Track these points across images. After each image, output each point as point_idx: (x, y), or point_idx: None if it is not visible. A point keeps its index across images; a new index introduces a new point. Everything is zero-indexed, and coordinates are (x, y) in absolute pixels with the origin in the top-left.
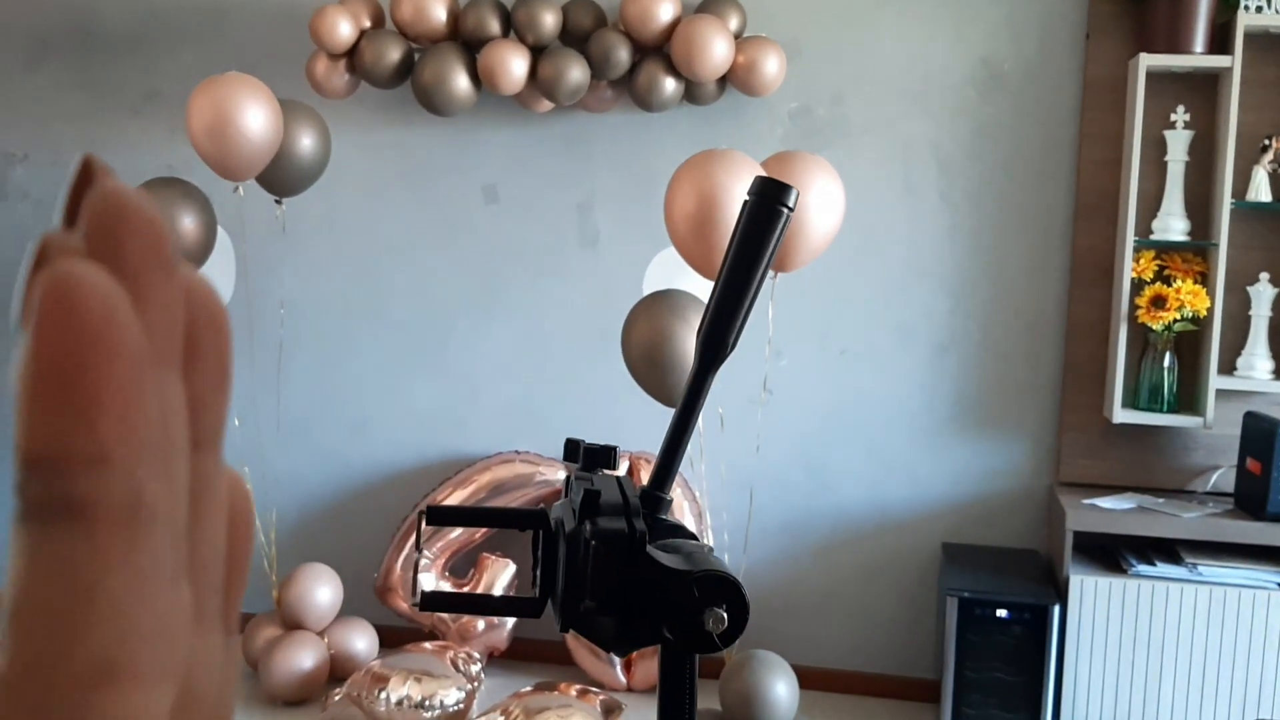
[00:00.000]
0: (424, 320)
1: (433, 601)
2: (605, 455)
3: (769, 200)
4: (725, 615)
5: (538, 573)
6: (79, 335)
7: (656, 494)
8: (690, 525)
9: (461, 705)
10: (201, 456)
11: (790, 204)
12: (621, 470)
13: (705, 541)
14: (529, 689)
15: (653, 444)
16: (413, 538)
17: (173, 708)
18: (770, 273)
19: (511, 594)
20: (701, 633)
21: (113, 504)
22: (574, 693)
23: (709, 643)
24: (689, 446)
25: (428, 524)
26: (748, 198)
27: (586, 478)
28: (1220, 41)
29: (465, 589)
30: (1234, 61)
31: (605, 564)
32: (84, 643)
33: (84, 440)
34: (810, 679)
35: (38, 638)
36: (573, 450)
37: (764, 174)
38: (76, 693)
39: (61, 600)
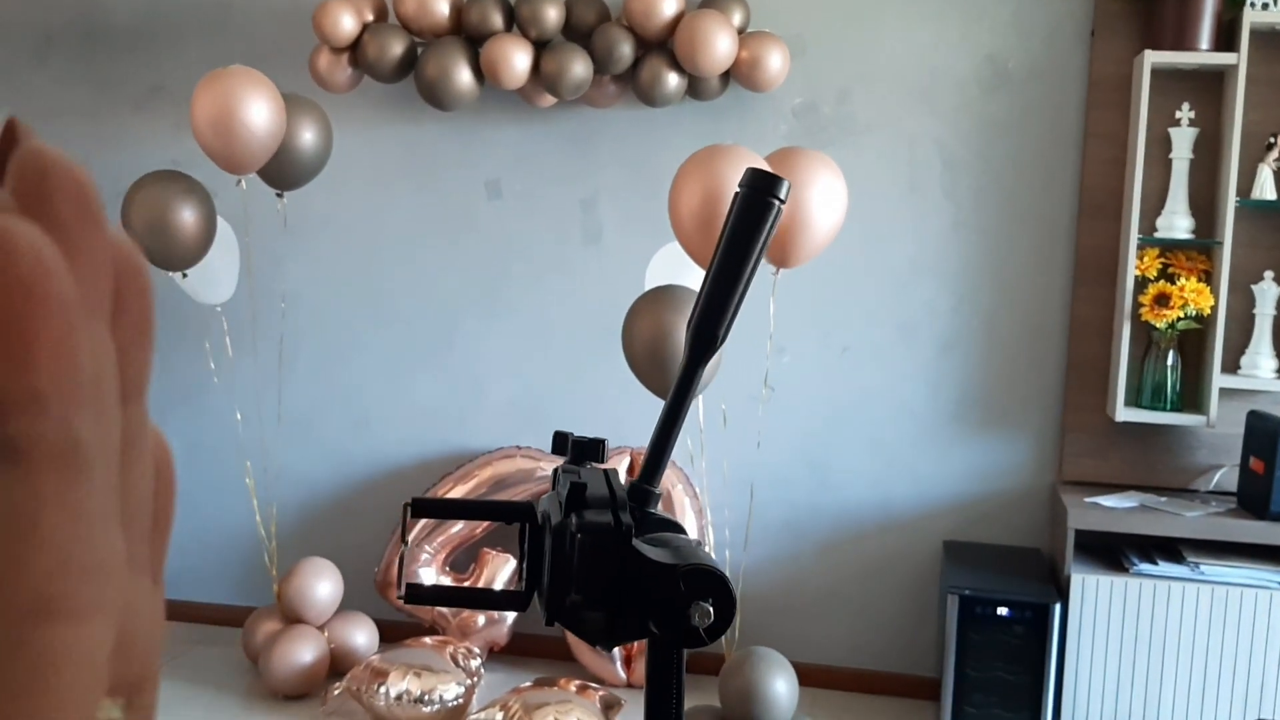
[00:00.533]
0: (426, 315)
1: (418, 595)
2: (594, 448)
3: (760, 192)
4: (711, 609)
5: (524, 566)
6: (13, 284)
7: (646, 488)
8: (692, 522)
9: (461, 700)
10: (129, 408)
11: (781, 196)
12: (623, 466)
13: (705, 537)
14: (529, 684)
15: None
16: (413, 532)
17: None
18: (772, 269)
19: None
20: (688, 627)
21: (48, 445)
22: (574, 688)
23: (695, 637)
24: (691, 443)
25: (412, 516)
26: (738, 189)
27: (574, 471)
28: (1226, 39)
29: (466, 584)
30: (1240, 59)
31: (591, 557)
32: (21, 579)
33: (20, 385)
34: (811, 676)
35: None
36: (561, 443)
37: (756, 166)
38: (14, 628)
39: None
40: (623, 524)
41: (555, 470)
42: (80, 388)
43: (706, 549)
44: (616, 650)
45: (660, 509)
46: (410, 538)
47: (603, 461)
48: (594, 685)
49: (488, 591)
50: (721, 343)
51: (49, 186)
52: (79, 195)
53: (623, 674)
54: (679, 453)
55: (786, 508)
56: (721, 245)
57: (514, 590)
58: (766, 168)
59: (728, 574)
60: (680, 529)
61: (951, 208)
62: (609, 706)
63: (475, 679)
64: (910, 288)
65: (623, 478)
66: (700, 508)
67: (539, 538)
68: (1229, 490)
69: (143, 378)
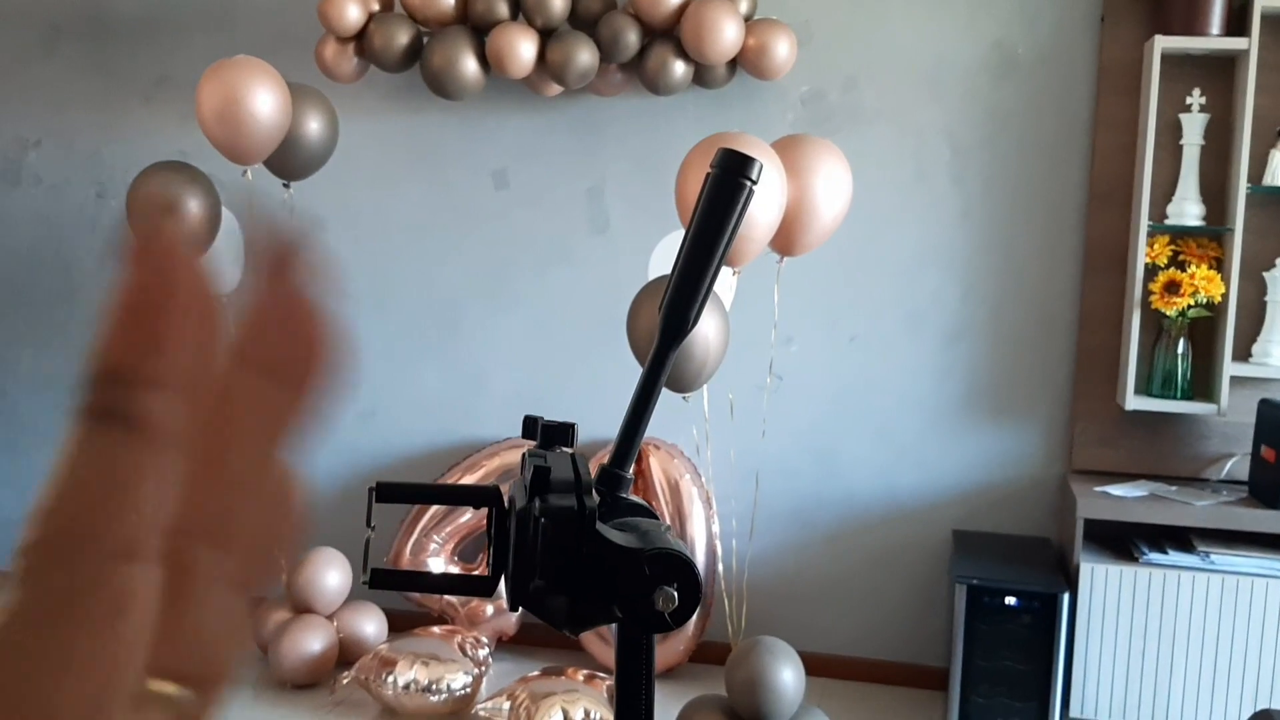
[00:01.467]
0: (432, 305)
1: (381, 580)
2: (563, 432)
3: (731, 173)
4: (676, 594)
5: (491, 550)
6: (162, 277)
7: (616, 472)
8: (699, 511)
9: (468, 689)
10: (261, 450)
11: (753, 177)
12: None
13: (712, 526)
14: (536, 674)
15: (660, 430)
16: (422, 521)
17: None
18: (777, 257)
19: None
20: (652, 612)
21: (155, 424)
22: (581, 678)
23: (660, 622)
24: (697, 432)
25: (378, 500)
26: (709, 170)
27: (540, 455)
28: (1237, 23)
29: (475, 573)
30: (1251, 44)
31: (554, 542)
32: (111, 528)
33: (148, 366)
34: (817, 666)
35: (77, 513)
36: (530, 427)
37: (727, 146)
38: (102, 563)
39: (102, 489)
40: (586, 508)
41: (523, 454)
42: (198, 386)
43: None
44: None
45: (632, 494)
46: (375, 523)
47: (572, 446)
48: (601, 675)
49: (453, 576)
50: (693, 326)
51: (281, 249)
52: (284, 253)
53: None
54: (686, 442)
55: (793, 497)
56: (692, 228)
57: (480, 575)
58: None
59: (694, 558)
60: (652, 514)
61: (960, 196)
62: None
63: (483, 668)
64: (918, 276)
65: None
66: (707, 497)
67: (505, 522)
68: (1240, 479)
69: (281, 431)
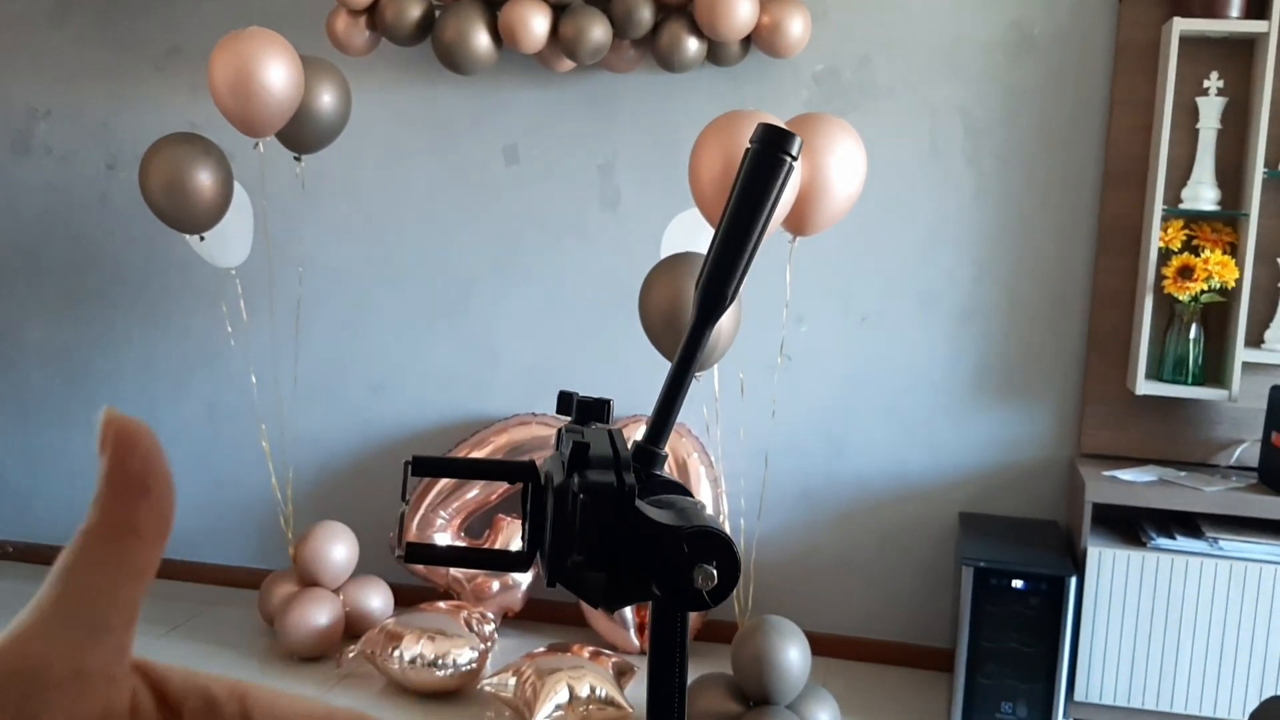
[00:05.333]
0: (444, 280)
1: (418, 554)
2: (599, 408)
3: (771, 148)
4: (715, 572)
5: (526, 526)
6: (151, 454)
7: (651, 449)
8: (707, 491)
9: (474, 665)
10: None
11: (794, 152)
12: (640, 434)
13: (720, 505)
14: (542, 650)
15: None
16: (429, 497)
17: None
18: (789, 236)
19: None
20: (691, 590)
21: (148, 533)
22: (587, 654)
23: (698, 600)
24: (707, 411)
25: (413, 474)
26: (749, 145)
27: (578, 430)
28: (1257, 6)
29: (511, 549)
30: (1271, 27)
31: (593, 518)
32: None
33: (145, 507)
34: (824, 646)
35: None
36: (566, 403)
37: (765, 123)
38: (140, 545)
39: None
40: (626, 484)
41: (559, 430)
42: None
43: (712, 513)
44: (630, 616)
45: (666, 471)
46: (411, 497)
47: (608, 422)
48: (607, 651)
49: (488, 551)
50: (730, 302)
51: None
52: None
53: (636, 640)
54: (695, 421)
55: (802, 477)
56: (731, 203)
57: (516, 551)
58: (780, 123)
59: (732, 538)
60: (686, 491)
61: (973, 175)
62: (622, 673)
63: (489, 644)
64: (931, 256)
65: None
66: (716, 476)
67: (541, 498)
68: (1250, 465)
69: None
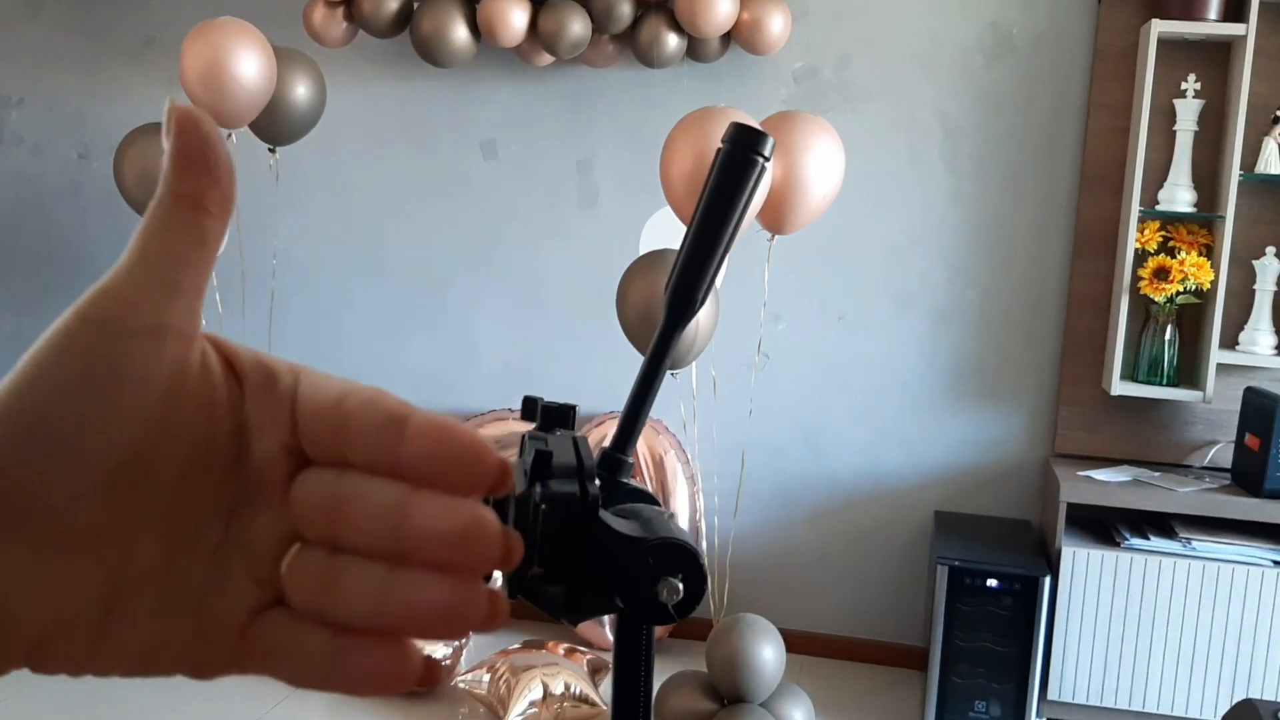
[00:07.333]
0: (419, 276)
1: None
2: (563, 414)
3: (743, 148)
4: (681, 585)
5: None
6: (208, 138)
7: (618, 456)
8: (683, 489)
9: (448, 661)
10: None
11: (766, 153)
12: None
13: (696, 503)
14: (517, 646)
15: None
16: None
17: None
18: (767, 235)
19: None
20: (655, 603)
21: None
22: (561, 651)
23: (663, 613)
24: (684, 409)
25: None
26: (721, 145)
27: (541, 437)
28: (1235, 9)
29: None
30: (1249, 30)
31: (555, 529)
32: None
33: (212, 187)
34: (798, 644)
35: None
36: (530, 408)
37: (737, 122)
38: (205, 215)
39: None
40: (589, 494)
41: (522, 436)
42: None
43: (681, 524)
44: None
45: (634, 478)
46: None
47: (572, 428)
48: (582, 649)
49: None
50: (700, 305)
51: None
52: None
53: (611, 638)
54: (672, 419)
55: (777, 475)
56: (702, 204)
57: None
58: (753, 123)
59: (699, 550)
60: (653, 499)
61: (951, 178)
62: (596, 670)
63: (463, 641)
64: (907, 257)
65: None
66: (692, 474)
67: (503, 507)
68: (1223, 466)
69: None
